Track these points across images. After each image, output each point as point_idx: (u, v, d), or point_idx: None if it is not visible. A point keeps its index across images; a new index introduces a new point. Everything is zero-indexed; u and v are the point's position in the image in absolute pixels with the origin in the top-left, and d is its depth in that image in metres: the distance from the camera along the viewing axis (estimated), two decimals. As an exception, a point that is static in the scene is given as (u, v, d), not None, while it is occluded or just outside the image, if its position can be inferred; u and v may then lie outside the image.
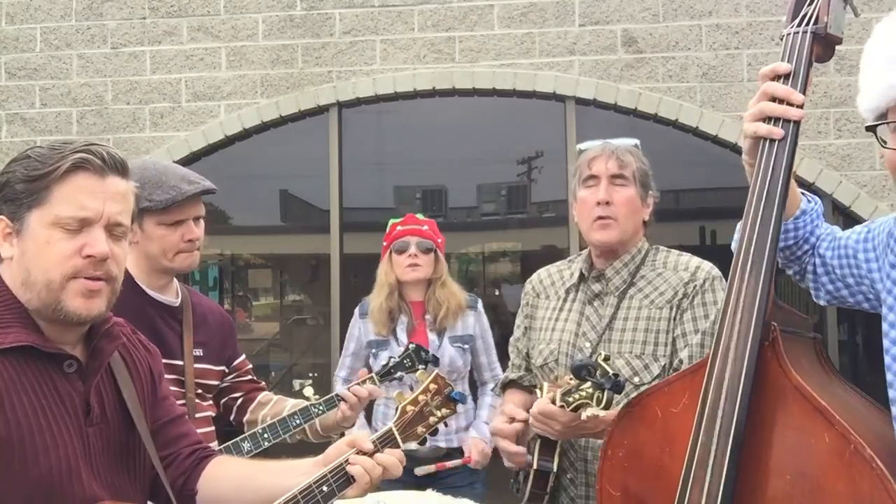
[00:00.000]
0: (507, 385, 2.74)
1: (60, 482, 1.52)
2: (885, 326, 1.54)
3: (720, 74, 5.98)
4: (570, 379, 2.09)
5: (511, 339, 2.77)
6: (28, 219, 1.56)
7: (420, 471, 2.95)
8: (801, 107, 1.62)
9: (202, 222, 2.63)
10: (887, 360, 1.50)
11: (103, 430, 1.65)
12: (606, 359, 2.04)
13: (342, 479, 1.79)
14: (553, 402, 2.13)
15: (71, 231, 1.55)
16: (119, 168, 1.63)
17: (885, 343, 1.52)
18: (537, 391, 2.44)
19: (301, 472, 1.80)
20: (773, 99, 1.65)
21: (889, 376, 1.49)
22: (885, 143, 1.46)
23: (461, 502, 2.87)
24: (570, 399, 2.07)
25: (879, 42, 1.47)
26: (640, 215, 2.49)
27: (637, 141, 2.60)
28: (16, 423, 1.48)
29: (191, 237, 2.55)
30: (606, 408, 2.01)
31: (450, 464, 2.81)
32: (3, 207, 1.58)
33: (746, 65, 5.94)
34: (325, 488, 1.76)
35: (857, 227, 1.78)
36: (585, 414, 2.03)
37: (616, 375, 2.00)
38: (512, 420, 2.41)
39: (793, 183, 1.78)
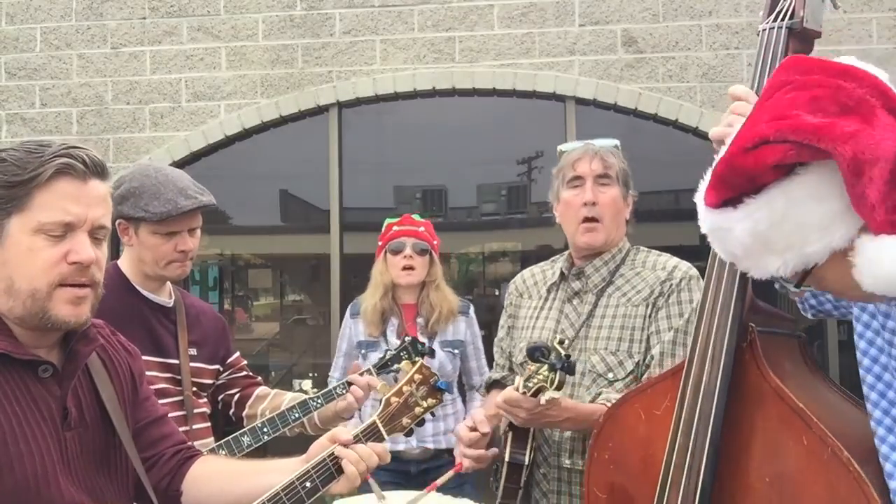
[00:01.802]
0: (491, 385, 2.74)
1: (38, 489, 1.50)
2: (856, 340, 1.53)
3: (720, 74, 5.96)
4: (531, 365, 2.11)
5: (495, 340, 2.78)
6: (8, 226, 1.53)
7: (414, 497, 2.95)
8: None
9: (198, 232, 2.64)
10: (861, 373, 1.48)
11: (82, 435, 1.63)
12: (561, 342, 2.06)
13: (326, 474, 1.78)
14: (517, 389, 2.14)
15: (55, 237, 1.53)
16: (99, 171, 1.61)
17: (858, 355, 1.49)
18: None
19: (286, 470, 1.80)
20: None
21: (862, 377, 1.47)
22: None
23: (461, 502, 2.87)
24: (530, 384, 2.08)
25: None
26: (622, 215, 2.52)
27: (617, 141, 2.60)
28: None
29: (184, 248, 2.57)
30: (558, 388, 2.02)
31: (440, 482, 2.80)
32: None
33: (746, 65, 5.92)
34: (308, 484, 1.76)
35: None
36: (544, 398, 2.04)
37: (568, 356, 2.02)
38: (473, 429, 2.40)
39: None
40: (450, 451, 3.82)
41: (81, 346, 1.65)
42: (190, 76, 6.44)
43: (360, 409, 3.91)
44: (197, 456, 1.90)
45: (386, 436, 1.98)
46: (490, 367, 3.77)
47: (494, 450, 2.41)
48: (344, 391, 2.85)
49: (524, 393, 2.08)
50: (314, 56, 6.35)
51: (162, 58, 6.47)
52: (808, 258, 1.26)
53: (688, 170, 7.00)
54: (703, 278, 2.39)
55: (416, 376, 2.11)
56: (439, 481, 3.15)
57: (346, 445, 1.82)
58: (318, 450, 1.83)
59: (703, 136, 5.95)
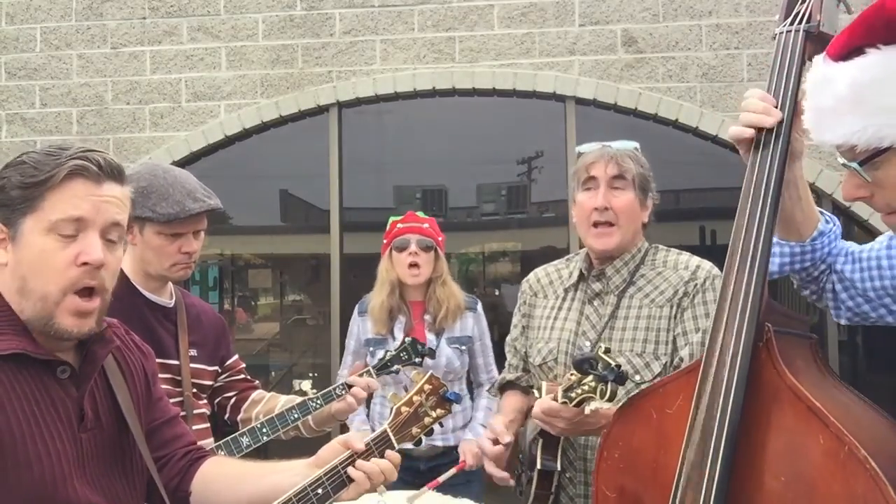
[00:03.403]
0: (504, 386, 2.72)
1: (54, 489, 1.51)
2: None
3: (720, 74, 5.97)
4: (572, 375, 2.07)
5: (508, 339, 2.75)
6: (22, 226, 1.54)
7: (412, 496, 2.95)
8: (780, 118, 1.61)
9: (202, 234, 2.65)
10: None
11: (97, 435, 1.64)
12: (607, 351, 2.01)
13: (337, 481, 1.79)
14: (555, 399, 2.11)
15: (66, 237, 1.54)
16: (115, 174, 1.62)
17: None
18: (535, 391, 2.43)
19: (294, 472, 1.81)
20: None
21: None
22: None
23: (461, 502, 2.87)
24: (573, 395, 2.04)
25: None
26: (639, 219, 2.48)
27: (637, 144, 2.57)
28: (8, 431, 1.47)
29: (188, 250, 2.58)
30: (611, 400, 1.99)
31: (442, 479, 2.80)
32: None
33: (746, 65, 5.93)
34: (319, 490, 1.77)
35: (879, 238, 1.77)
36: (589, 408, 2.01)
37: (619, 366, 1.98)
38: (496, 442, 2.39)
39: (810, 201, 1.78)
40: (454, 448, 3.83)
41: (99, 348, 1.66)
42: (190, 76, 6.43)
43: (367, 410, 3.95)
44: (206, 457, 1.91)
45: (396, 444, 2.00)
46: (497, 364, 3.77)
47: (504, 474, 2.41)
48: (343, 392, 2.85)
49: (564, 404, 2.06)
50: (314, 56, 6.35)
51: (162, 58, 6.46)
52: (887, 133, 1.30)
53: (688, 170, 6.99)
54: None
55: (426, 387, 2.15)
56: (441, 478, 3.16)
57: (357, 453, 1.83)
58: (330, 454, 1.83)
59: (703, 136, 5.98)
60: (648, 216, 2.52)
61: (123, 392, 1.72)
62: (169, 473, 1.84)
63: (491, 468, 2.40)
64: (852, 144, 1.36)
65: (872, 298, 1.72)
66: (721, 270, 2.38)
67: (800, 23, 1.65)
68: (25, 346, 1.54)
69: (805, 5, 1.66)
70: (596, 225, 2.43)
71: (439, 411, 2.14)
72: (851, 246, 1.81)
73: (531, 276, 2.74)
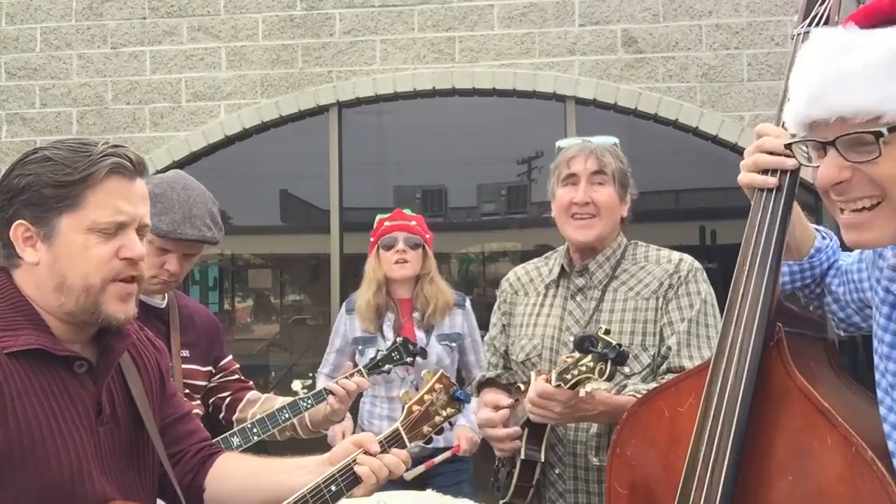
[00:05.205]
0: (483, 384, 2.72)
1: (72, 483, 1.52)
2: (876, 332, 1.52)
3: (720, 74, 5.98)
4: (568, 357, 2.09)
5: (486, 338, 2.77)
6: (58, 224, 1.55)
7: (409, 474, 2.91)
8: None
9: (194, 258, 2.63)
10: (876, 360, 1.49)
11: (114, 430, 1.65)
12: (607, 332, 2.03)
13: (350, 478, 1.81)
14: (548, 381, 2.12)
15: (107, 235, 1.57)
16: (142, 170, 1.66)
17: (876, 360, 1.48)
18: (521, 385, 2.44)
19: (308, 470, 1.82)
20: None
21: (877, 376, 1.48)
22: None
23: (461, 502, 2.87)
24: (568, 377, 2.06)
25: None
26: (618, 213, 2.51)
27: (616, 140, 2.60)
28: (27, 426, 1.48)
29: (170, 269, 2.55)
30: (609, 379, 2.01)
31: (438, 459, 2.77)
32: (24, 212, 1.56)
33: (746, 65, 5.94)
34: (333, 487, 1.78)
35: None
36: (584, 389, 2.02)
37: (619, 345, 2.00)
38: (497, 408, 2.42)
39: (805, 221, 1.77)
40: (448, 449, 3.83)
41: (115, 342, 1.67)
42: (190, 76, 6.43)
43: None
44: (220, 453, 1.93)
45: (408, 443, 2.00)
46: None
47: (515, 429, 2.41)
48: (328, 395, 2.84)
49: (559, 386, 2.08)
50: (314, 56, 6.35)
51: (162, 58, 6.46)
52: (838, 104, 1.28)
53: (688, 170, 6.99)
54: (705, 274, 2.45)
55: (437, 385, 2.15)
56: (436, 459, 3.14)
57: (371, 454, 1.84)
58: (343, 452, 1.84)
59: (703, 136, 5.98)
60: (627, 211, 2.55)
61: (138, 387, 1.73)
62: (183, 469, 1.85)
63: (495, 431, 2.40)
64: (879, 113, 1.25)
65: (856, 310, 1.73)
66: (722, 269, 2.39)
67: (818, 24, 1.63)
68: (44, 343, 1.54)
69: (824, 7, 1.64)
70: (575, 217, 2.45)
71: (449, 410, 2.15)
72: (842, 258, 1.81)
73: (510, 274, 2.76)
